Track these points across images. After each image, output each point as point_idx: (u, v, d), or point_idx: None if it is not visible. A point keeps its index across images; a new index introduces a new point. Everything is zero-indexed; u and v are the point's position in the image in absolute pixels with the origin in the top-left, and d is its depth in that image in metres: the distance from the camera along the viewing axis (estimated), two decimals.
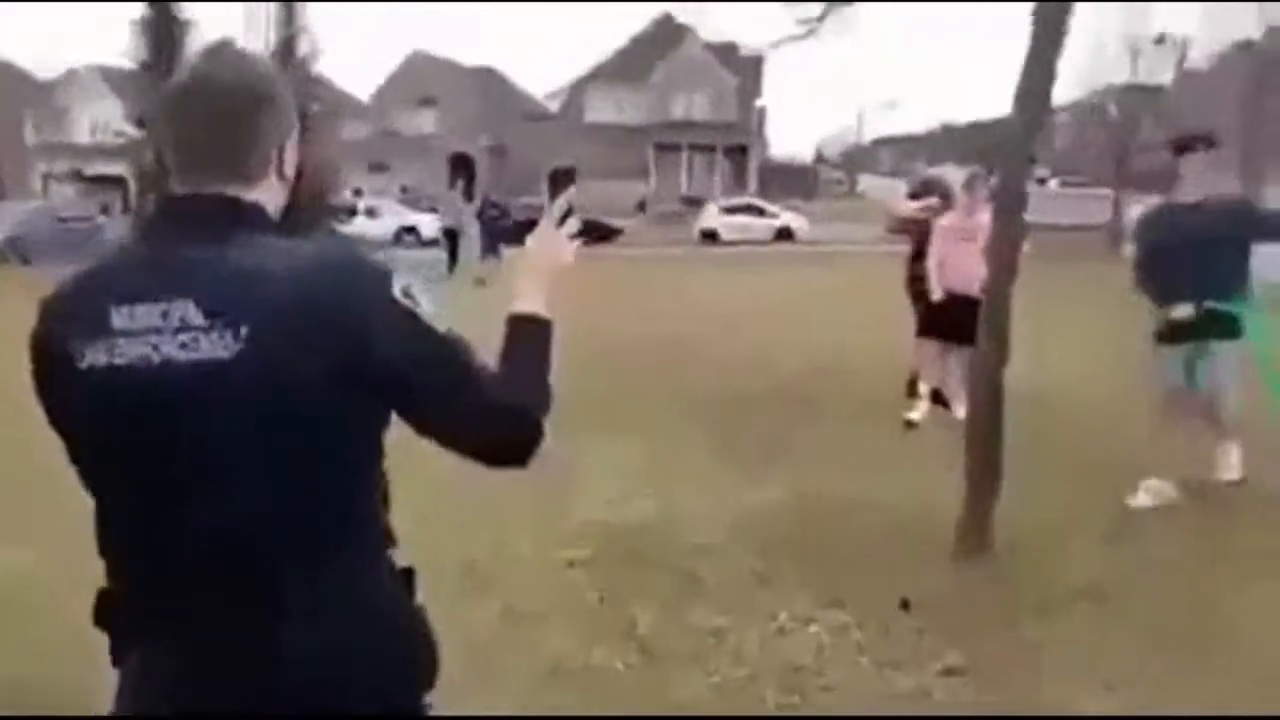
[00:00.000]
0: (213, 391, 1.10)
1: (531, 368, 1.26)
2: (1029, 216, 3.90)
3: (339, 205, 31.72)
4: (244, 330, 1.10)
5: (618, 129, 44.71)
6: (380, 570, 1.23)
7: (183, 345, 1.10)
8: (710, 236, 28.97)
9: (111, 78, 42.57)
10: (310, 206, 23.31)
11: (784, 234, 28.81)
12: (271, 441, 1.12)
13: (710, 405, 6.41)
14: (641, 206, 42.00)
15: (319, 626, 1.14)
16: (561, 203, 1.44)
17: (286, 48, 21.62)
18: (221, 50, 1.26)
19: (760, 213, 30.27)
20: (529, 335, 1.29)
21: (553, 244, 1.41)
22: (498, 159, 42.94)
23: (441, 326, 1.18)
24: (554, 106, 49.60)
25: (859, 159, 71.66)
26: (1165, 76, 29.91)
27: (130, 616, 1.19)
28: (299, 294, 1.11)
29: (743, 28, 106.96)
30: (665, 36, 45.35)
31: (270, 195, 1.24)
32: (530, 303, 1.33)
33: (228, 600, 1.14)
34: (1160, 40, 27.04)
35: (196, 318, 1.11)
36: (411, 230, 29.20)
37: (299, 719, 1.15)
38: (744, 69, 46.08)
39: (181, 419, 1.11)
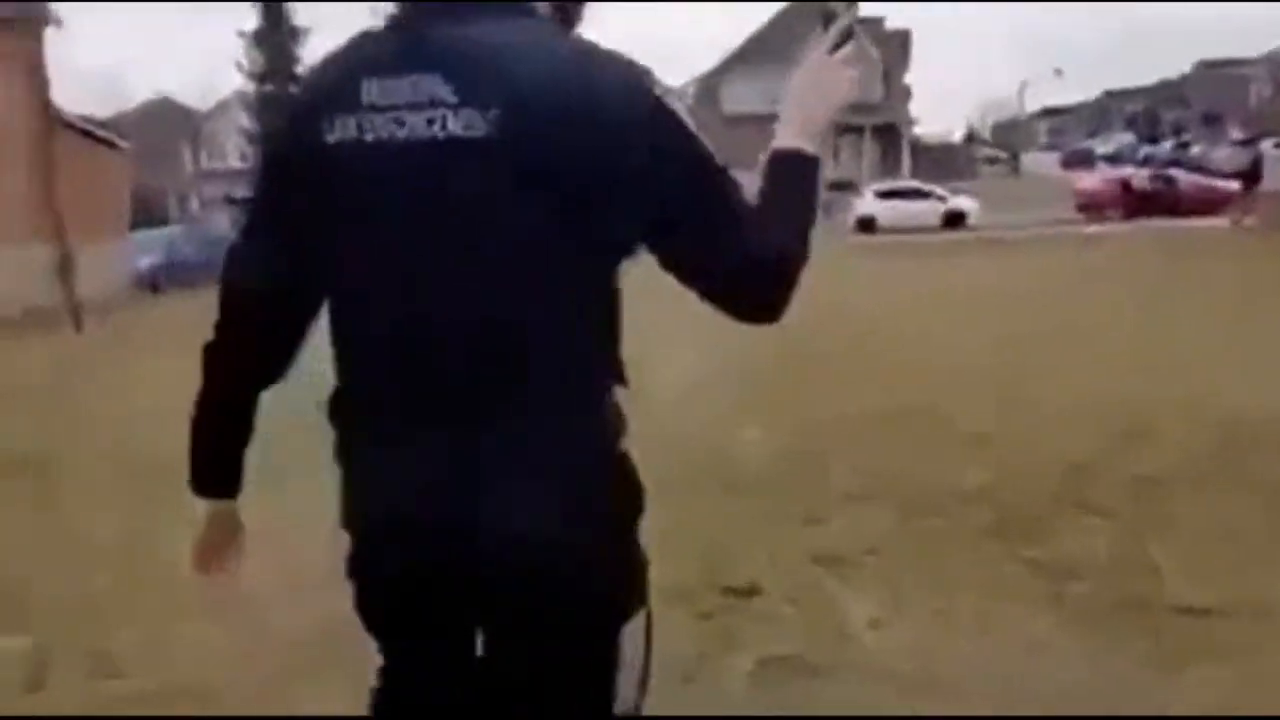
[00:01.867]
0: (454, 174, 1.02)
1: (794, 211, 1.13)
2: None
3: None
4: (492, 112, 1.01)
5: (758, 116, 42.64)
6: (596, 421, 1.10)
7: (429, 121, 1.03)
8: (867, 225, 26.46)
9: (248, 101, 44.53)
10: None
11: (954, 219, 25.99)
12: (507, 240, 1.03)
13: None
14: None
15: (543, 474, 1.06)
16: (842, 24, 1.24)
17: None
18: None
19: (925, 195, 27.41)
20: (792, 174, 1.16)
21: (826, 71, 1.22)
22: None
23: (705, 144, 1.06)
24: (688, 100, 48.17)
25: (1014, 135, 66.72)
26: None
27: (354, 414, 1.16)
28: (550, 83, 1.01)
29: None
30: (807, 16, 43.03)
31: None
32: (794, 136, 1.18)
33: (445, 407, 1.08)
34: None
35: (446, 94, 1.02)
36: None
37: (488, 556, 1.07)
38: (890, 43, 43.17)
39: (422, 200, 1.05)
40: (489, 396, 1.06)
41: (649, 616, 1.17)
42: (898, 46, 43.32)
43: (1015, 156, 53.92)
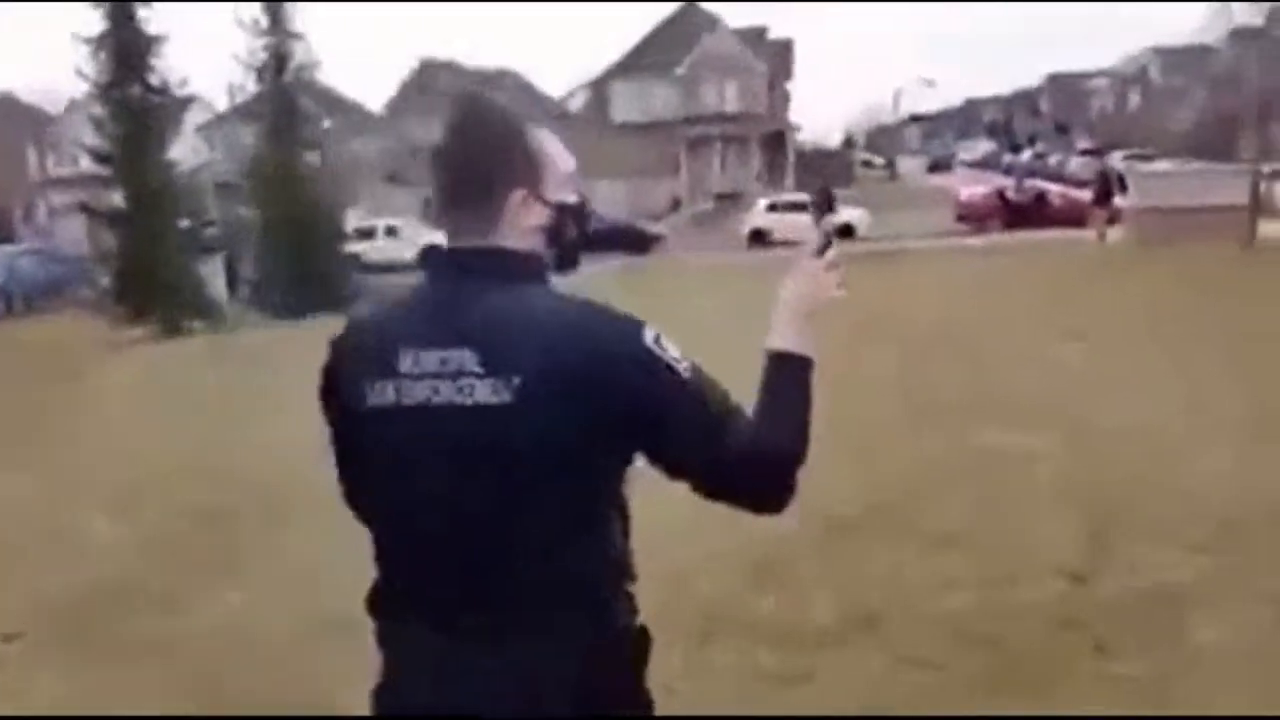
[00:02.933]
0: (484, 435, 1.20)
1: (790, 410, 1.27)
2: None
3: (360, 226, 30.07)
4: (515, 381, 1.19)
5: (646, 126, 42.63)
6: (623, 610, 1.29)
7: (460, 390, 1.21)
8: (760, 237, 26.76)
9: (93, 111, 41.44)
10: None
11: (844, 231, 26.56)
12: (530, 483, 1.21)
13: None
14: (675, 205, 39.97)
15: (564, 667, 1.23)
16: (826, 227, 1.40)
17: (278, 58, 19.28)
18: (464, 106, 1.32)
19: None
20: (789, 376, 1.29)
21: (814, 280, 1.36)
22: None
23: (689, 370, 1.23)
24: (575, 106, 47.66)
25: (887, 141, 69.17)
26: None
27: (389, 613, 1.33)
28: (564, 350, 1.19)
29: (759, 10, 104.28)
30: (690, 25, 43.25)
31: (519, 240, 1.29)
32: (788, 338, 1.31)
33: (468, 624, 1.24)
34: None
35: (474, 366, 1.20)
36: None
37: None
38: (774, 53, 43.97)
39: (455, 456, 1.22)
40: (500, 608, 1.24)
41: None
42: (781, 56, 44.14)
43: (891, 163, 55.81)
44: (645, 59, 43.55)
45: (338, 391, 1.31)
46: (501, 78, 46.75)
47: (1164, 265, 12.77)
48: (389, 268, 22.05)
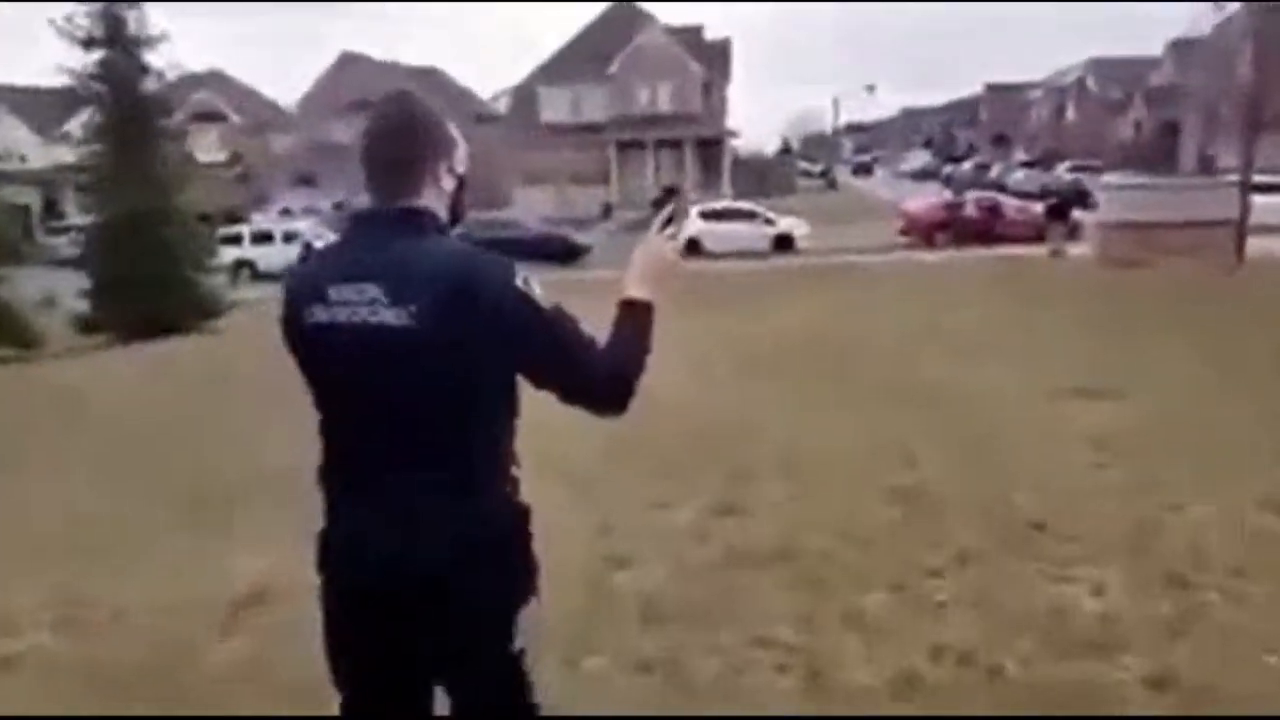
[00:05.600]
0: (390, 347, 1.60)
1: (633, 342, 1.71)
2: None
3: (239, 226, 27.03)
4: (412, 308, 1.59)
5: (576, 128, 40.41)
6: (502, 487, 1.71)
7: (372, 313, 1.62)
8: (692, 248, 24.73)
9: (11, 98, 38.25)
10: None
11: (782, 242, 24.69)
12: (427, 387, 1.62)
13: None
14: (606, 212, 37.79)
15: (448, 520, 1.64)
16: (665, 213, 1.88)
17: (113, 28, 15.61)
18: (396, 99, 1.75)
19: (750, 217, 25.92)
20: (634, 315, 1.73)
21: (658, 249, 1.81)
22: None
23: (553, 308, 1.63)
24: (502, 108, 45.26)
25: (823, 150, 68.09)
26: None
27: (333, 485, 1.75)
28: (450, 283, 1.59)
29: (698, 10, 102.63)
30: (622, 24, 41.17)
31: (435, 202, 1.72)
32: (637, 290, 1.75)
33: (391, 485, 1.66)
34: None
35: (381, 296, 1.61)
36: None
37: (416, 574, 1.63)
38: (709, 54, 42.08)
39: (369, 362, 1.62)
40: (417, 468, 1.65)
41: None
42: (718, 57, 42.27)
43: (829, 171, 54.59)
44: (575, 58, 41.31)
45: (292, 318, 1.70)
46: (426, 76, 44.18)
47: (1154, 299, 11.02)
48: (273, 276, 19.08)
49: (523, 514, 1.71)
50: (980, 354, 8.08)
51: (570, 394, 1.64)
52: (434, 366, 1.58)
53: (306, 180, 41.50)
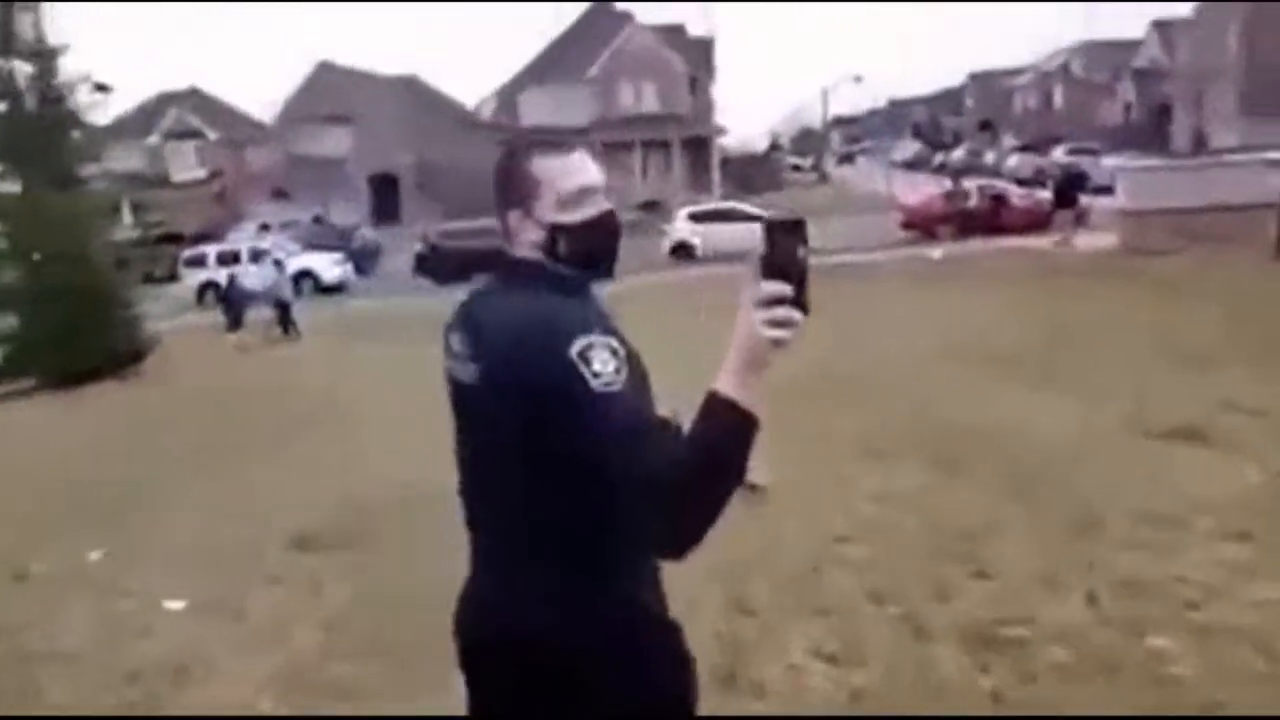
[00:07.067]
0: (468, 405, 1.63)
1: (712, 465, 1.30)
2: None
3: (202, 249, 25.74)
4: (479, 367, 1.57)
5: (560, 130, 39.46)
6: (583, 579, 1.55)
7: (461, 368, 1.62)
8: (683, 252, 23.69)
9: None
10: None
11: None
12: (491, 447, 1.59)
13: None
14: None
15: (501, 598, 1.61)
16: (774, 289, 1.26)
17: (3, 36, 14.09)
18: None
19: (744, 217, 24.83)
20: (716, 423, 1.28)
21: (748, 317, 1.28)
22: (426, 177, 37.35)
23: (614, 384, 1.39)
24: (485, 114, 44.26)
25: (813, 144, 67.21)
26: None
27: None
28: (506, 347, 1.52)
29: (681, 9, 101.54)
30: (604, 24, 40.24)
31: (530, 251, 1.63)
32: (732, 384, 1.28)
33: (476, 544, 1.67)
34: None
35: (466, 350, 1.61)
36: (308, 275, 23.81)
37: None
38: (694, 51, 41.18)
39: (459, 415, 1.67)
40: (482, 530, 1.66)
41: None
42: (702, 54, 41.40)
43: (819, 165, 53.71)
44: (557, 61, 40.36)
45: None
46: (405, 84, 43.12)
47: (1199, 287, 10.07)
48: (252, 295, 17.63)
49: (628, 621, 1.56)
50: (1051, 384, 7.00)
51: (622, 499, 1.38)
52: (495, 432, 1.56)
53: (284, 194, 40.36)
